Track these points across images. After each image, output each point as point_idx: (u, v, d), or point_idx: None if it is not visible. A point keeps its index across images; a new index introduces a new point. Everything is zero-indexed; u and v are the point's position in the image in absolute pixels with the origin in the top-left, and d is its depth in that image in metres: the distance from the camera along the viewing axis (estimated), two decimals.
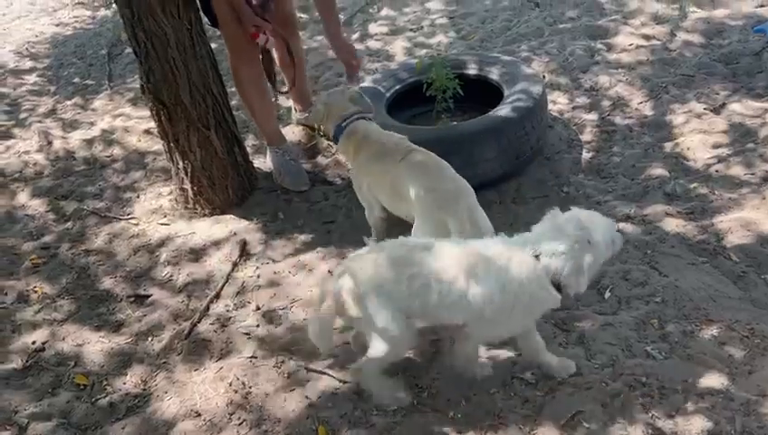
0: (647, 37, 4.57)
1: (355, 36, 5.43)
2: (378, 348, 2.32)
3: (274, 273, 3.20)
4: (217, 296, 3.12)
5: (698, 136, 3.59)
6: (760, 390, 2.23)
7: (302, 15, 5.99)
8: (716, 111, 3.77)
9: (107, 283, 3.34)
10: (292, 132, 4.16)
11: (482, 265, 2.18)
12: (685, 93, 3.96)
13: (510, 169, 3.45)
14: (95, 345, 2.97)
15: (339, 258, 3.21)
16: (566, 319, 2.66)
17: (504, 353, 2.56)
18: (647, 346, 2.47)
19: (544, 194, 3.42)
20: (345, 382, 2.57)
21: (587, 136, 3.80)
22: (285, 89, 3.79)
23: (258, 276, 3.20)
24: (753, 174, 3.26)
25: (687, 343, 2.45)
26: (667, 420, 2.19)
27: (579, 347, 2.54)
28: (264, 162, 3.96)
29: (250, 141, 4.19)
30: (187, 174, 3.57)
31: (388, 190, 2.91)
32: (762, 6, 4.72)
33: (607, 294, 2.74)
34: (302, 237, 3.39)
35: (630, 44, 4.52)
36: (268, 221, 3.53)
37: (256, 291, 3.12)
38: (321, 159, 4.00)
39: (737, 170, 3.30)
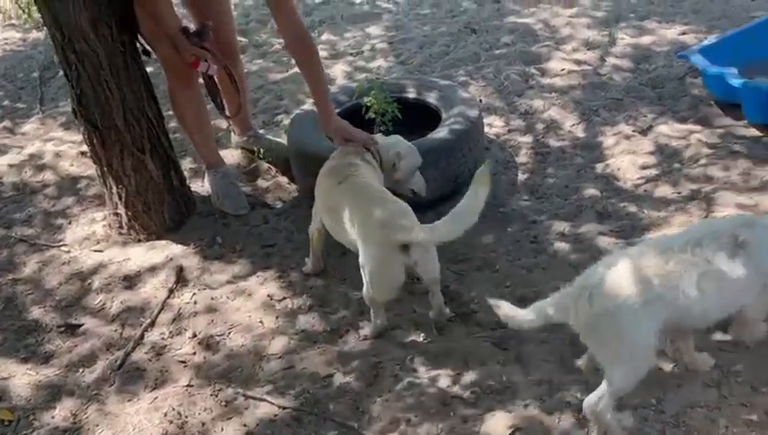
0: (578, 62, 4.74)
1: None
2: (624, 376, 2.10)
3: (212, 299, 3.14)
4: (152, 324, 3.04)
5: (628, 157, 3.72)
6: (689, 402, 2.30)
7: (242, 39, 5.97)
8: (644, 132, 3.92)
9: (35, 313, 3.21)
10: (231, 155, 4.12)
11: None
12: (614, 116, 4.11)
13: (448, 191, 3.49)
14: (22, 378, 2.84)
15: (279, 282, 3.18)
16: (504, 337, 2.70)
17: (444, 372, 2.58)
18: (581, 362, 2.52)
19: (482, 214, 3.46)
20: (284, 408, 2.53)
21: (522, 158, 3.89)
22: (228, 113, 3.75)
23: (195, 303, 3.14)
24: (679, 193, 3.39)
25: None
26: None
27: (516, 365, 2.58)
28: (201, 186, 3.90)
29: (188, 164, 4.12)
30: (121, 199, 3.49)
31: (327, 212, 2.91)
32: (684, 34, 4.95)
33: None
34: (241, 262, 3.34)
35: (563, 69, 4.67)
36: (206, 246, 3.46)
37: (193, 318, 3.05)
38: (261, 182, 3.96)
39: (665, 190, 3.43)
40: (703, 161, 3.58)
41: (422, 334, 2.80)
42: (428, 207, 3.39)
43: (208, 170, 3.77)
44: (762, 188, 3.34)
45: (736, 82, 3.74)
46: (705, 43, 4.28)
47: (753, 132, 3.78)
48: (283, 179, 3.92)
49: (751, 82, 3.78)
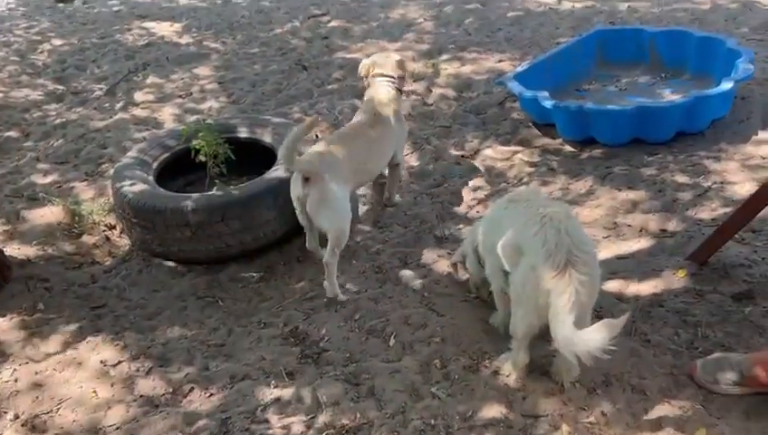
0: (407, 93, 4.90)
1: (120, 105, 5.16)
2: None
3: (36, 373, 2.82)
4: None
5: (459, 181, 3.88)
6: (533, 412, 2.38)
7: (59, 87, 5.59)
8: (472, 157, 4.12)
9: None
10: (51, 212, 3.77)
11: None
12: (444, 143, 4.28)
13: (291, 229, 3.42)
14: None
15: (113, 346, 2.93)
16: (355, 372, 2.66)
17: (297, 419, 2.48)
18: (432, 387, 2.54)
19: None
20: None
21: (362, 190, 3.92)
22: None
23: (16, 380, 2.80)
24: None
25: (468, 378, 2.56)
26: None
27: (370, 399, 2.54)
28: (18, 249, 3.53)
29: (1, 226, 3.73)
30: None
31: None
32: (501, 61, 5.31)
33: (392, 342, 2.79)
34: (69, 328, 3.04)
35: None
36: (26, 315, 3.12)
37: (14, 397, 2.72)
38: (87, 239, 3.66)
39: None
40: (526, 179, 3.82)
41: (272, 382, 2.68)
42: (275, 247, 3.34)
43: None
44: (579, 200, 3.61)
45: (548, 103, 4.05)
46: (519, 69, 4.60)
47: (568, 149, 4.10)
48: (112, 233, 3.66)
49: (561, 103, 4.11)
